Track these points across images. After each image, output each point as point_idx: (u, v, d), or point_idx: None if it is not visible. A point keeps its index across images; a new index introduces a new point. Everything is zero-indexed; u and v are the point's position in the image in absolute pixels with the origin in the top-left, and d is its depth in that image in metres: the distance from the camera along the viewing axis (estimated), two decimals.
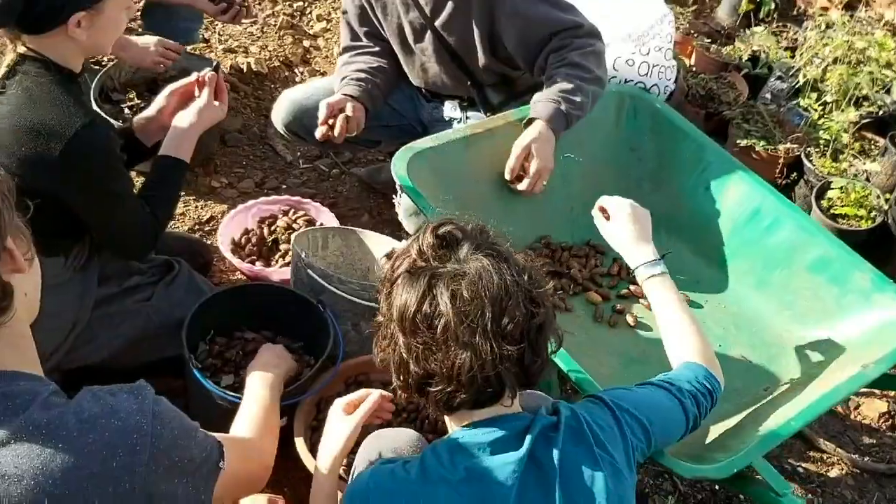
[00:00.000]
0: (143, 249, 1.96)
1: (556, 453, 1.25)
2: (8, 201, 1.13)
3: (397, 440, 1.44)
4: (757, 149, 3.05)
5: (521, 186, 2.09)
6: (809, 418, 1.70)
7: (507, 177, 2.09)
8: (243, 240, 2.47)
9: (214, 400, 1.85)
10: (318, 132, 2.23)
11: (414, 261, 1.26)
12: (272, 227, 2.50)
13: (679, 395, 1.46)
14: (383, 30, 2.40)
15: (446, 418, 1.34)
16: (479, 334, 1.20)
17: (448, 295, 1.20)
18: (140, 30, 2.90)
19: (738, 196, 2.21)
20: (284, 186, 2.81)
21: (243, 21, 2.79)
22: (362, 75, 2.39)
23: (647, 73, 3.03)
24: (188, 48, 3.11)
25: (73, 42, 1.72)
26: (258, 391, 1.70)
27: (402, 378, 1.29)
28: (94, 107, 2.54)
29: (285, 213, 2.54)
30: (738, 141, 3.07)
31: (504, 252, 1.27)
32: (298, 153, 2.97)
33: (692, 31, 3.76)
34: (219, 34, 3.42)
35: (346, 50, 2.50)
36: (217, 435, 1.32)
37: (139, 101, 2.67)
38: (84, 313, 1.91)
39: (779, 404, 1.81)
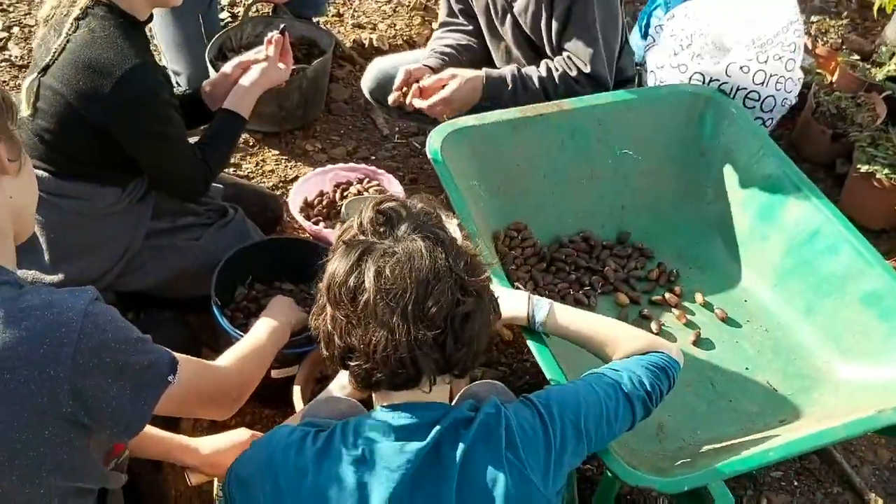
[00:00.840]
0: (192, 194, 2.10)
1: (460, 450, 1.22)
2: (2, 109, 1.27)
3: (339, 406, 1.41)
4: (878, 176, 2.80)
5: (417, 102, 2.19)
6: (791, 452, 1.57)
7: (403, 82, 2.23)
8: (315, 200, 2.59)
9: (229, 336, 1.98)
10: (391, 97, 2.30)
11: (354, 234, 1.27)
12: (344, 193, 2.60)
13: (622, 384, 1.40)
14: (474, 8, 2.44)
15: (372, 395, 1.34)
16: (398, 314, 1.18)
17: (374, 271, 1.20)
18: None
19: (799, 214, 2.05)
20: (374, 158, 2.91)
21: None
22: (448, 50, 2.44)
23: (762, 83, 2.85)
24: (316, 20, 3.31)
25: None
26: (256, 332, 1.80)
27: (328, 349, 1.30)
28: (209, 64, 2.76)
29: (360, 181, 2.64)
30: (859, 165, 2.84)
31: (443, 237, 1.25)
32: (396, 128, 3.07)
33: (844, 47, 3.48)
34: (354, 10, 3.58)
35: (441, 25, 2.57)
36: (178, 355, 1.42)
37: None
38: (136, 242, 2.09)
39: (778, 435, 1.68)
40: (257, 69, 2.13)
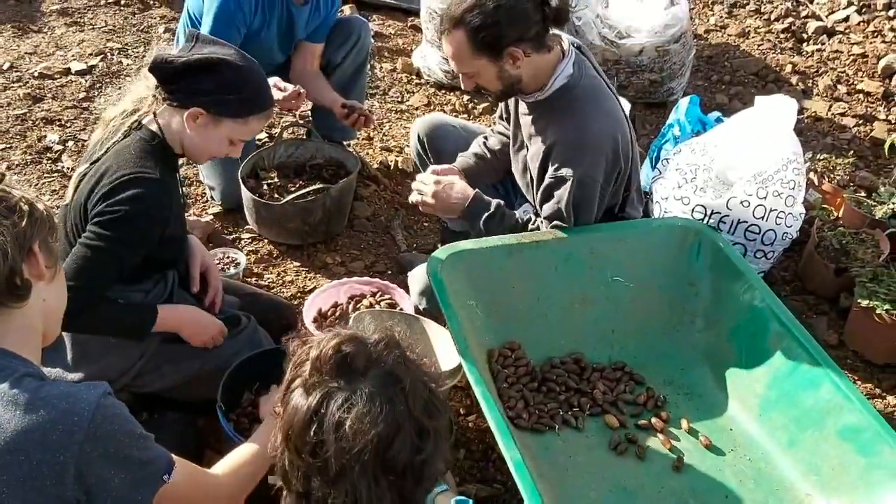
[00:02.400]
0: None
1: None
2: (42, 220, 1.42)
3: None
4: (878, 311, 2.86)
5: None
6: None
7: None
8: (329, 311, 2.73)
9: (231, 441, 2.09)
10: (412, 197, 2.48)
11: (310, 372, 1.27)
12: (357, 305, 2.75)
13: None
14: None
15: None
16: (358, 470, 1.21)
17: (334, 424, 1.21)
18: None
19: (782, 347, 2.14)
20: (390, 272, 3.06)
21: (363, 128, 3.10)
22: (484, 151, 2.64)
23: (762, 217, 2.98)
24: (346, 143, 3.55)
25: (184, 128, 2.05)
26: (256, 438, 1.90)
27: (284, 483, 1.32)
28: (240, 181, 2.98)
29: (373, 294, 2.78)
30: (860, 300, 2.91)
31: (402, 374, 1.26)
32: (415, 245, 3.23)
33: (852, 183, 3.61)
34: (383, 133, 3.82)
35: (495, 121, 2.77)
36: (176, 457, 1.49)
37: (278, 181, 3.08)
38: (152, 345, 2.23)
39: None
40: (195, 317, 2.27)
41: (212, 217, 3.19)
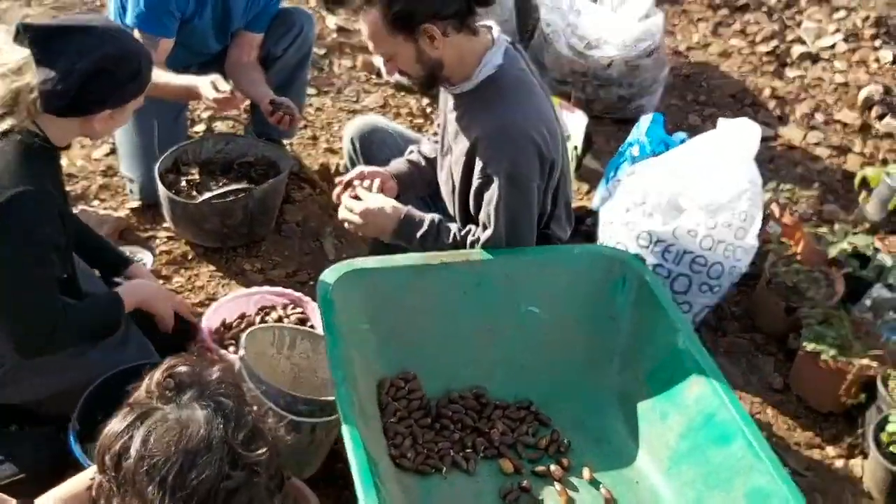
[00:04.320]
0: (25, 348, 1.94)
1: None
2: None
3: None
4: (824, 357, 2.68)
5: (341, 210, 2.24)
6: None
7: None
8: (235, 322, 2.55)
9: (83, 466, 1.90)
10: (336, 191, 2.34)
11: (140, 395, 1.28)
12: (265, 317, 2.56)
13: None
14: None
15: None
16: (156, 484, 1.18)
17: (141, 436, 1.20)
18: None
19: (698, 394, 1.95)
20: (312, 283, 2.88)
21: (288, 128, 2.93)
22: (419, 159, 2.47)
23: (710, 248, 2.80)
24: (287, 141, 3.37)
25: (81, 129, 1.93)
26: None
27: None
28: (156, 175, 2.80)
29: (284, 307, 2.60)
30: (805, 343, 2.73)
31: (229, 407, 1.25)
32: (344, 255, 3.04)
33: (814, 216, 3.43)
34: (330, 134, 3.64)
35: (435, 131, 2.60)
36: None
37: (198, 178, 2.90)
38: (13, 356, 2.04)
39: None
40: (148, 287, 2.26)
41: (128, 212, 3.00)
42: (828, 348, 2.69)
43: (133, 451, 1.19)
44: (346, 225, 2.27)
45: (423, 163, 2.47)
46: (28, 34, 1.81)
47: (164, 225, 2.97)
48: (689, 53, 4.68)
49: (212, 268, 2.87)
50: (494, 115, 2.09)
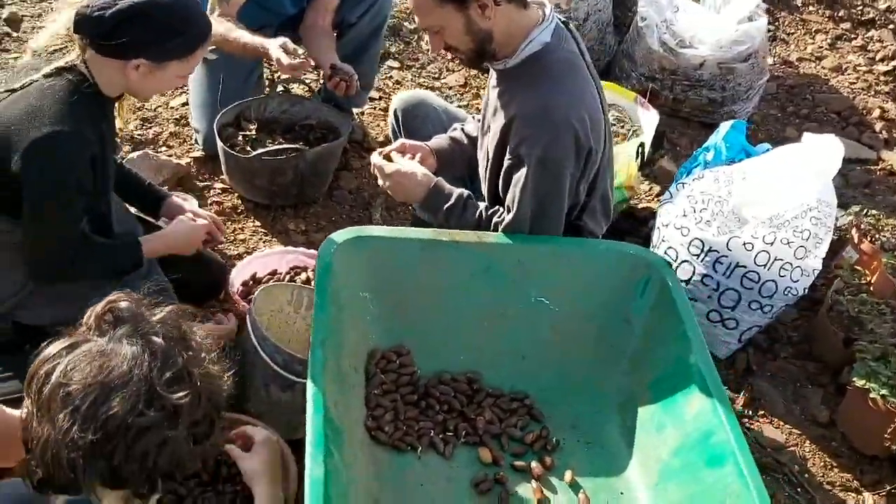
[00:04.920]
0: (40, 275, 2.03)
1: None
2: None
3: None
4: (873, 395, 2.48)
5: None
6: None
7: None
8: (265, 278, 2.58)
9: None
10: (374, 158, 2.30)
11: (80, 326, 1.29)
12: (293, 277, 2.58)
13: None
14: None
15: None
16: (68, 411, 1.18)
17: (64, 364, 1.21)
18: None
19: (698, 410, 1.83)
20: None
21: (345, 95, 2.92)
22: (461, 136, 2.43)
23: (765, 264, 2.63)
24: (356, 110, 3.38)
25: (124, 78, 1.96)
26: None
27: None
28: (215, 129, 2.86)
29: (314, 270, 2.61)
30: (855, 379, 2.53)
31: (157, 345, 1.24)
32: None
33: None
34: None
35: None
36: None
37: (255, 135, 2.94)
38: (31, 282, 2.10)
39: None
40: (183, 226, 2.27)
41: (191, 160, 3.09)
42: (879, 387, 2.49)
43: (54, 377, 1.20)
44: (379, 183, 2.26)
45: (465, 141, 2.42)
46: None
47: (221, 177, 3.03)
48: (798, 64, 4.42)
49: (257, 223, 2.92)
50: (534, 95, 2.01)
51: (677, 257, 2.76)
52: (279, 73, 3.28)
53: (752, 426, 2.63)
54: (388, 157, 2.26)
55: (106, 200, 2.21)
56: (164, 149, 3.17)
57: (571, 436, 2.00)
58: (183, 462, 1.27)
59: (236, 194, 3.00)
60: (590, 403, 2.04)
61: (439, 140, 2.39)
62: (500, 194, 2.13)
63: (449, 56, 4.00)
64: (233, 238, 2.84)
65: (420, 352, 2.03)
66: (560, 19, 2.10)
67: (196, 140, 3.13)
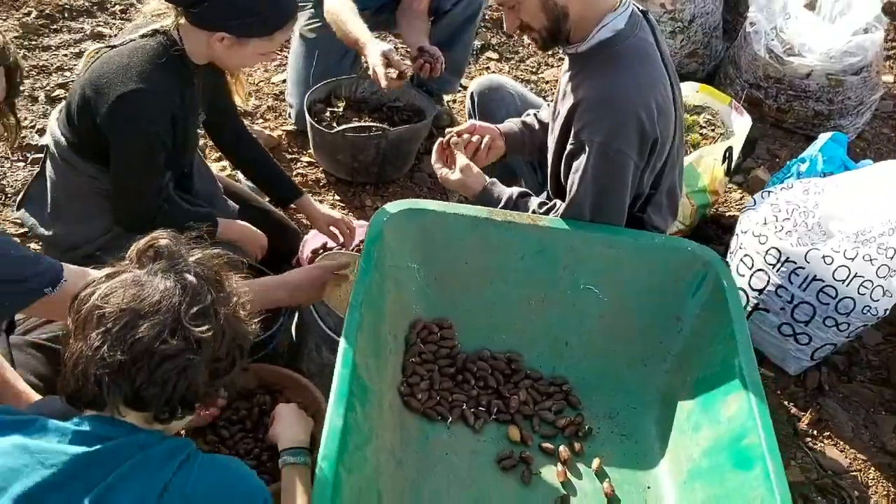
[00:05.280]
0: (123, 221, 2.19)
1: (118, 471, 1.25)
2: None
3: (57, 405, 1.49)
4: None
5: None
6: None
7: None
8: (334, 248, 2.66)
9: None
10: (446, 137, 2.34)
11: (123, 258, 1.39)
12: (360, 249, 2.65)
13: None
14: None
15: None
16: (101, 332, 1.26)
17: (104, 289, 1.30)
18: None
19: (734, 412, 1.78)
20: None
21: (428, 77, 2.95)
22: (533, 122, 2.44)
23: (844, 280, 2.52)
24: (447, 97, 3.44)
25: (209, 48, 2.06)
26: None
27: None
28: (304, 104, 2.98)
29: None
30: None
31: (191, 284, 1.31)
32: None
33: None
34: None
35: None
36: (70, 268, 1.58)
37: (341, 112, 3.04)
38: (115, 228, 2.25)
39: None
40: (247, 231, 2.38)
41: (283, 133, 3.21)
42: None
43: (92, 299, 1.28)
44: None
45: (537, 126, 2.43)
46: None
47: (309, 151, 3.14)
48: None
49: (337, 198, 3.01)
50: (601, 81, 1.99)
51: (753, 265, 2.68)
52: None
53: (814, 446, 2.52)
54: (458, 135, 2.30)
55: (188, 160, 2.34)
56: (260, 121, 3.31)
57: (606, 426, 1.98)
58: (199, 392, 1.34)
59: (321, 168, 3.10)
60: (629, 397, 2.02)
61: (510, 124, 2.41)
62: (562, 180, 2.13)
63: (550, 52, 4.03)
64: None
65: (463, 327, 2.05)
66: (639, 9, 2.08)
67: (289, 114, 3.26)
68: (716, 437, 1.79)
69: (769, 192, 2.86)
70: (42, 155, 2.29)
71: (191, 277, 1.33)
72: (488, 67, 3.85)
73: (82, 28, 3.65)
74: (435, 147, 2.28)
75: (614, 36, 2.01)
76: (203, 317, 1.31)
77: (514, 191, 2.17)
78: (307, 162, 3.13)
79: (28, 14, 3.61)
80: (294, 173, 3.05)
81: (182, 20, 2.05)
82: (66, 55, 3.46)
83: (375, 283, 1.86)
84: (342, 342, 1.69)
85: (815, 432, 2.56)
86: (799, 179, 2.94)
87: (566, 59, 2.16)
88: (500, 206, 2.13)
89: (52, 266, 1.56)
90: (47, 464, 1.24)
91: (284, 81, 3.46)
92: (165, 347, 1.26)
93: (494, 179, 2.21)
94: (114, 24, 3.69)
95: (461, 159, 2.23)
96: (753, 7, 3.76)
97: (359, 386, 1.67)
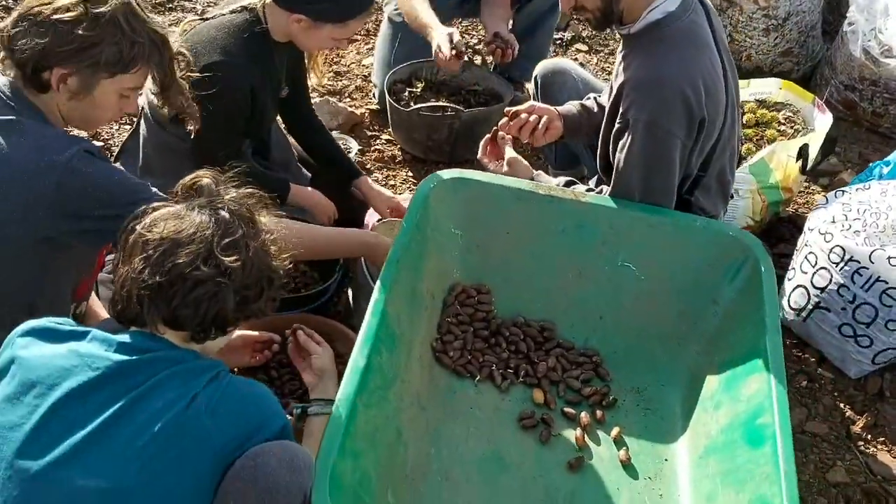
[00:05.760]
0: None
1: (156, 378, 1.40)
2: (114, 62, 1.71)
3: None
4: None
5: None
6: None
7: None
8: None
9: None
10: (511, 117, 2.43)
11: (171, 193, 1.55)
12: None
13: None
14: None
15: None
16: (144, 257, 1.41)
17: (148, 219, 1.46)
18: None
19: (754, 391, 1.79)
20: None
21: (500, 62, 3.05)
22: (591, 104, 2.50)
23: None
24: (529, 85, 3.51)
25: (288, 28, 2.21)
26: None
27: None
28: (385, 84, 3.12)
29: None
30: None
31: (222, 217, 1.46)
32: None
33: None
34: None
35: None
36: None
37: (419, 92, 3.17)
38: None
39: None
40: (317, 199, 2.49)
41: (366, 111, 3.37)
42: None
43: (138, 228, 1.44)
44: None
45: (596, 109, 2.48)
46: None
47: (388, 130, 3.29)
48: None
49: (410, 174, 3.14)
50: (649, 61, 2.04)
51: (816, 263, 2.64)
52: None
53: (865, 450, 2.46)
54: (514, 116, 2.38)
55: (266, 129, 2.51)
56: (347, 100, 3.48)
57: (631, 399, 2.02)
58: (228, 316, 1.48)
59: (398, 146, 3.24)
60: (658, 374, 2.05)
61: (570, 106, 2.47)
62: (611, 158, 2.18)
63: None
64: (384, 183, 3.07)
65: (500, 293, 2.13)
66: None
67: (373, 94, 3.41)
68: (734, 415, 1.81)
69: (843, 191, 2.81)
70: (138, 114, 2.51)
71: (224, 213, 1.48)
72: (576, 59, 3.90)
73: (195, 7, 3.92)
74: (482, 143, 2.37)
75: (665, 17, 2.04)
76: (233, 248, 1.45)
77: (561, 179, 2.24)
78: (385, 139, 3.27)
79: None
80: (372, 149, 3.20)
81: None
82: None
83: (416, 242, 1.97)
84: (375, 291, 1.80)
85: (868, 436, 2.50)
86: (879, 181, 2.87)
87: (621, 40, 2.21)
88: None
89: (147, 188, 1.75)
90: (93, 366, 1.40)
91: (372, 64, 3.62)
92: (198, 273, 1.41)
93: (540, 171, 2.28)
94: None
95: (509, 152, 2.31)
96: (853, 7, 3.66)
97: (387, 334, 1.78)
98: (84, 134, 2.44)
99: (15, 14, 1.66)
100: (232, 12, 2.26)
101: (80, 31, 1.63)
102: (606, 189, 2.18)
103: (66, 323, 1.51)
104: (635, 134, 2.03)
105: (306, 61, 2.50)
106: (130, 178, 1.79)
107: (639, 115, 2.02)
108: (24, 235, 1.68)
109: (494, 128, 2.41)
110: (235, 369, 1.96)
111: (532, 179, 2.24)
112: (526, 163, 2.30)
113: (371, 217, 2.75)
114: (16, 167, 1.64)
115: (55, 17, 1.63)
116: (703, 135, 2.07)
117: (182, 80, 1.89)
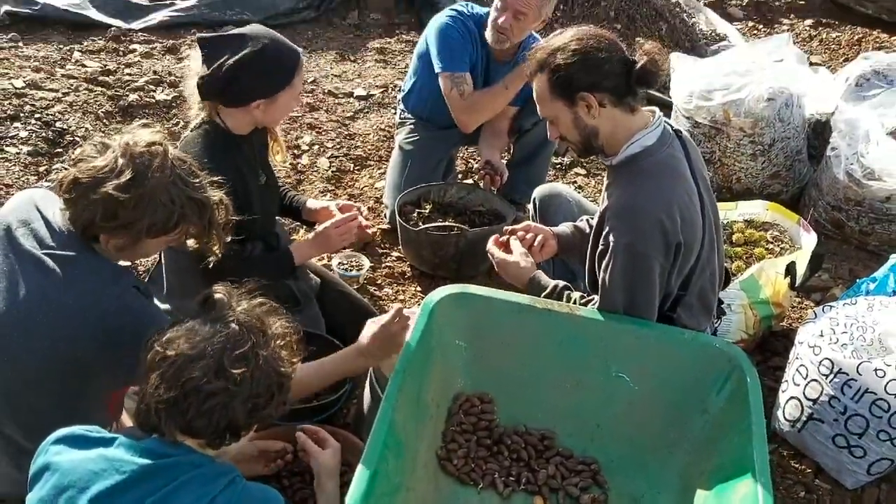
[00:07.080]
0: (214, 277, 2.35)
1: (174, 483, 1.52)
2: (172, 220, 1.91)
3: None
4: None
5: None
6: None
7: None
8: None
9: None
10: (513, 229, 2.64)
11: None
12: None
13: None
14: None
15: None
16: (160, 374, 1.55)
17: (165, 337, 1.58)
18: None
19: (742, 495, 1.87)
20: None
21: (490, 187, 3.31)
22: (583, 225, 2.69)
23: None
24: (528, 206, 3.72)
25: (250, 116, 2.44)
26: None
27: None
28: (396, 206, 3.34)
29: None
30: None
31: (233, 331, 1.59)
32: None
33: None
34: None
35: None
36: None
37: (428, 213, 3.38)
38: None
39: None
40: (324, 231, 2.67)
41: (377, 230, 3.57)
42: None
43: (156, 346, 1.57)
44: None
45: (588, 230, 2.66)
46: (201, 43, 2.38)
47: (398, 247, 3.48)
48: None
49: (419, 289, 3.30)
50: (628, 191, 2.22)
51: (807, 375, 2.75)
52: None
53: None
54: (512, 233, 2.57)
55: (268, 227, 2.68)
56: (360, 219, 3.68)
57: None
58: (240, 423, 1.60)
59: (407, 263, 3.42)
60: (652, 479, 2.13)
61: (564, 227, 2.66)
62: (597, 276, 2.33)
63: None
64: (394, 298, 3.23)
65: (502, 402, 2.25)
66: (671, 127, 2.31)
67: (384, 214, 3.62)
68: None
69: (831, 306, 2.95)
70: None
71: (234, 325, 1.61)
72: (575, 182, 4.12)
73: None
74: (491, 239, 2.55)
75: (643, 151, 2.24)
76: (243, 360, 1.58)
77: (560, 283, 2.39)
78: (396, 257, 3.46)
79: (177, 125, 4.19)
80: (383, 265, 3.38)
81: (219, 107, 2.42)
82: None
83: (422, 353, 2.10)
84: (383, 401, 1.93)
85: None
86: (865, 297, 3.01)
87: (606, 169, 2.41)
88: (545, 293, 2.35)
89: None
90: (121, 470, 1.53)
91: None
92: (210, 387, 1.54)
93: (538, 272, 2.44)
94: None
95: (517, 247, 2.49)
96: (836, 133, 3.90)
97: (394, 441, 1.89)
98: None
99: (71, 174, 1.82)
100: (192, 129, 2.47)
101: (122, 211, 1.80)
102: (597, 298, 2.32)
103: (94, 430, 1.64)
104: (616, 256, 2.19)
105: (270, 143, 2.68)
106: (165, 318, 1.90)
107: (619, 238, 2.18)
108: (69, 359, 1.82)
109: (507, 229, 2.62)
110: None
111: (535, 275, 2.41)
112: (531, 259, 2.47)
113: None
114: (70, 298, 1.80)
115: (102, 190, 1.78)
116: (680, 258, 2.22)
117: (221, 231, 2.02)
